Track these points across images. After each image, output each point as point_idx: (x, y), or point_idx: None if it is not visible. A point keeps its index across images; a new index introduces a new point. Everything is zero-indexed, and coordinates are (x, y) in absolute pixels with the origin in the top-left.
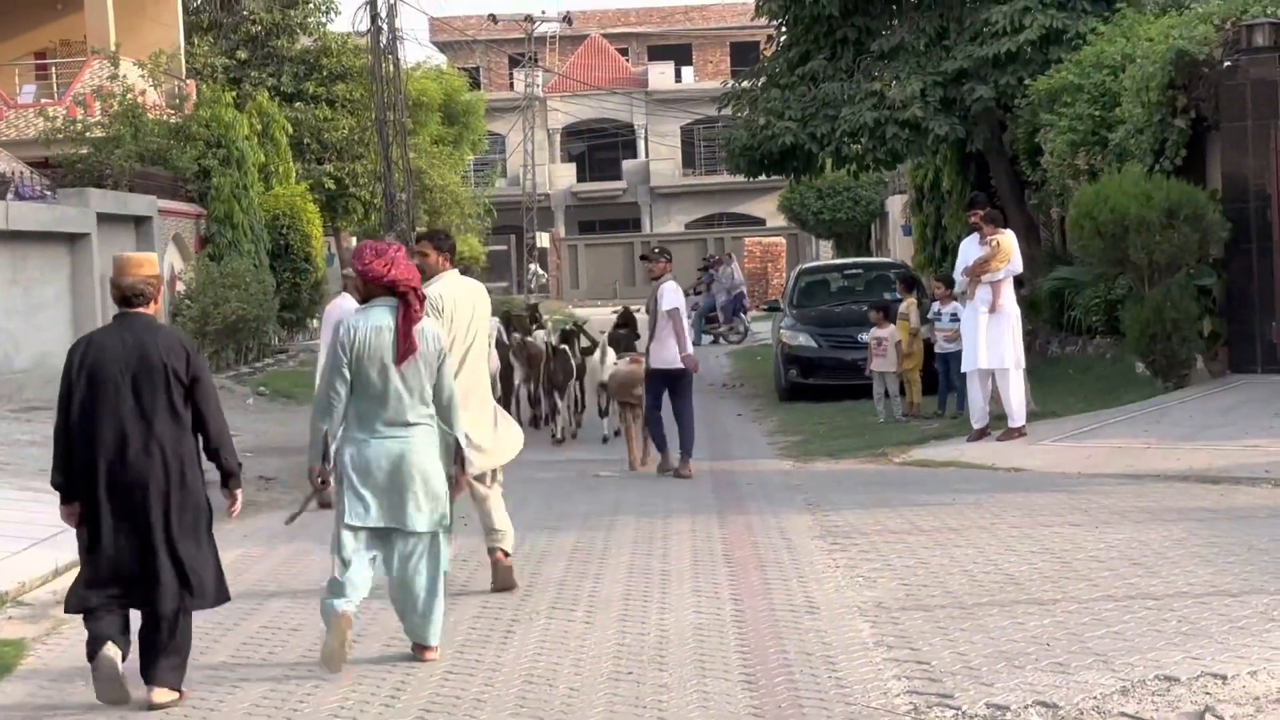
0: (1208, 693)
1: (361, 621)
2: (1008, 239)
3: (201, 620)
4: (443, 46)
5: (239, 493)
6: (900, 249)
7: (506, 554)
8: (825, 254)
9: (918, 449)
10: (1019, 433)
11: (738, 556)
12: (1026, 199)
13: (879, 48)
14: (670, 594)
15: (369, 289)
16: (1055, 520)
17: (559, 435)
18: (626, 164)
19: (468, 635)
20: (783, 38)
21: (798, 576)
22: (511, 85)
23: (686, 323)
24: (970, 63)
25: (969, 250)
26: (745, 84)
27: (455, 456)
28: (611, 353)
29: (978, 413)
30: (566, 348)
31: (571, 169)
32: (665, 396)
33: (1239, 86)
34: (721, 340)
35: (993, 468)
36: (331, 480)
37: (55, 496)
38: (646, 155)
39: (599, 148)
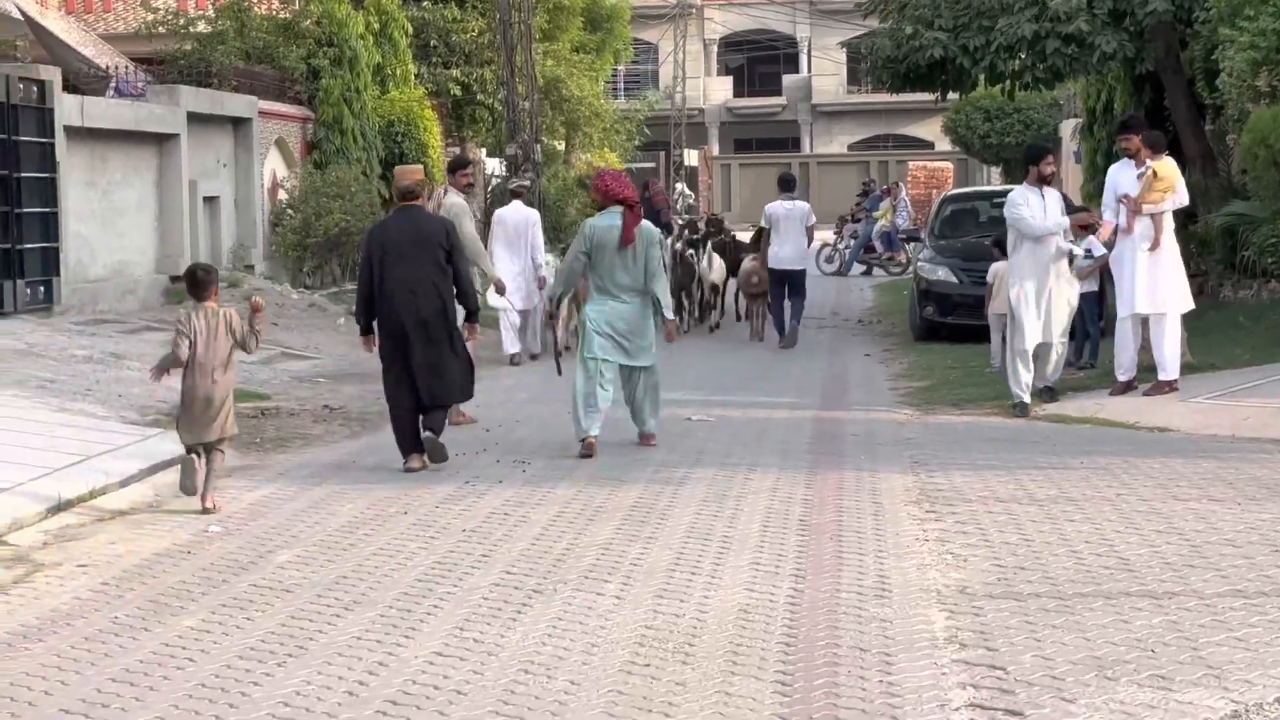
0: None
1: (347, 593)
2: (1167, 166)
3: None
4: None
5: (476, 326)
6: (1072, 178)
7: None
8: (995, 181)
9: (1054, 402)
10: (1170, 387)
11: (814, 522)
12: (1205, 126)
13: None
14: (725, 566)
15: (605, 201)
16: (1193, 493)
17: (684, 328)
18: (787, 79)
19: (475, 609)
20: None
21: (876, 551)
22: None
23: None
24: None
25: (1120, 178)
26: None
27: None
28: (718, 257)
29: (1126, 363)
30: (693, 253)
31: (728, 83)
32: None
33: None
34: (876, 271)
35: (1134, 426)
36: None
37: (88, 420)
38: (809, 70)
39: (759, 60)
